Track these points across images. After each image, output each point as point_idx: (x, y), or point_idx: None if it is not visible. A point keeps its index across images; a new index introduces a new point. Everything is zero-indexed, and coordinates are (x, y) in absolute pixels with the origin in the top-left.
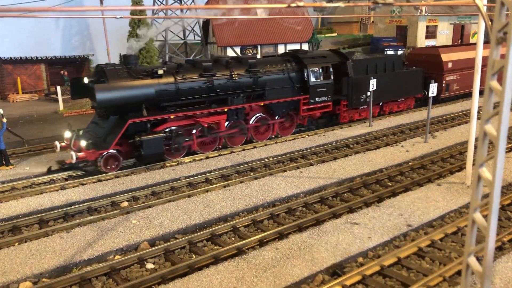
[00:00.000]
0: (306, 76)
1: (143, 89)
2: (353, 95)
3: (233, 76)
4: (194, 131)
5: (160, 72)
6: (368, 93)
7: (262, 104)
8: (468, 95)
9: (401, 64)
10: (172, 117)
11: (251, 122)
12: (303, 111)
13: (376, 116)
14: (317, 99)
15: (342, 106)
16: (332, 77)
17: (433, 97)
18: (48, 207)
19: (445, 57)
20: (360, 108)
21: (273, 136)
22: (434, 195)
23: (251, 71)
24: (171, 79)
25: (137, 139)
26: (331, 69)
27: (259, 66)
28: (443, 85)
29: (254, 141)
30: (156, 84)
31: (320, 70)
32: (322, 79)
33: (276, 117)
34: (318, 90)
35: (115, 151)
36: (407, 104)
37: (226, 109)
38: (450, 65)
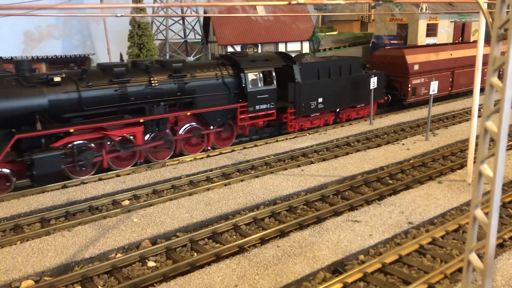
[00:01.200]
0: (243, 82)
1: (33, 99)
2: (301, 102)
3: (152, 82)
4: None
5: (57, 79)
6: (320, 100)
7: (188, 113)
8: (438, 100)
9: (359, 67)
10: (72, 130)
11: (180, 133)
12: (241, 120)
13: (331, 124)
14: (257, 107)
15: (288, 114)
16: (275, 83)
17: (398, 101)
18: (50, 205)
19: (410, 58)
20: (312, 115)
21: (208, 148)
22: (435, 193)
23: (175, 77)
24: (72, 87)
25: (27, 157)
26: (274, 74)
27: (186, 71)
28: (409, 89)
29: (185, 153)
30: (52, 93)
31: (261, 75)
32: (262, 84)
33: (211, 127)
34: (258, 97)
35: (7, 171)
36: (368, 110)
37: (142, 120)
38: (416, 67)
